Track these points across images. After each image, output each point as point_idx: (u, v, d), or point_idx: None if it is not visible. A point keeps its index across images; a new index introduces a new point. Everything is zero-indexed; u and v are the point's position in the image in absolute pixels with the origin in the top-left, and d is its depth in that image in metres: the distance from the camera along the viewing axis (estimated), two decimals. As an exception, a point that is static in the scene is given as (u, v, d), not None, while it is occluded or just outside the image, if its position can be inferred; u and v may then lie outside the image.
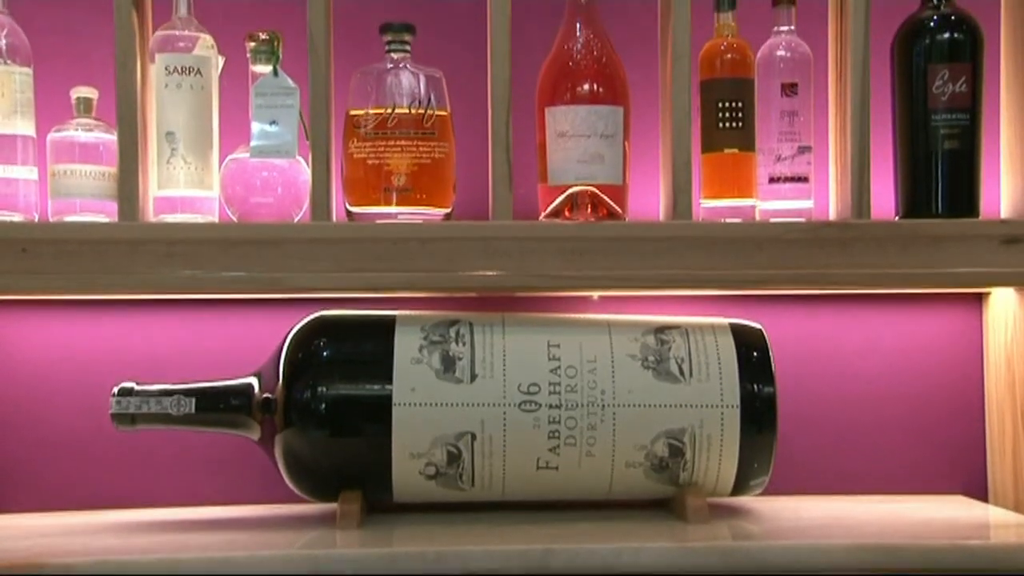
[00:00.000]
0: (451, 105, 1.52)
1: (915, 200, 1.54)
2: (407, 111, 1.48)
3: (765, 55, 1.56)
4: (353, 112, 1.50)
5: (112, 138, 1.50)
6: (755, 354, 1.49)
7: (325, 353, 1.46)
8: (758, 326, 1.53)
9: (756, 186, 1.54)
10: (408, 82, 1.49)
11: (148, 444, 1.64)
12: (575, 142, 1.48)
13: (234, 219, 1.51)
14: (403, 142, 1.47)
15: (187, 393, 1.45)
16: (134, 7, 1.47)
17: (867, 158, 1.50)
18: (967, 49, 1.53)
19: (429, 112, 1.48)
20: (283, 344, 1.47)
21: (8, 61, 1.48)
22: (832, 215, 1.59)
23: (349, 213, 1.51)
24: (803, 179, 1.55)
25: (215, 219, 1.52)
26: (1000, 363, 1.65)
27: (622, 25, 1.58)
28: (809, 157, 1.55)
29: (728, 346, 1.48)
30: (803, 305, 1.68)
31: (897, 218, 1.56)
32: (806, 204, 1.55)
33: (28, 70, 1.50)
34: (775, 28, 1.56)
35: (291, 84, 1.48)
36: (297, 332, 1.48)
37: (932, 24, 1.53)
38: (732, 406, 1.45)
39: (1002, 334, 1.64)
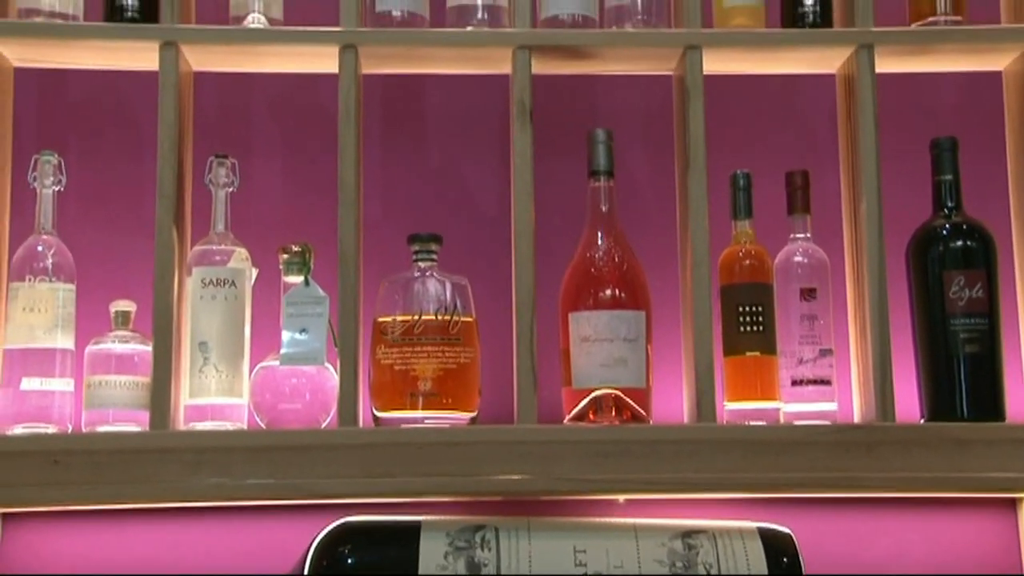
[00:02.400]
0: (476, 311, 1.50)
1: (939, 403, 1.50)
2: (433, 318, 1.47)
3: (783, 261, 1.54)
4: (381, 319, 1.48)
5: (147, 349, 1.49)
6: (785, 560, 1.42)
7: (350, 561, 1.40)
8: (787, 531, 1.46)
9: (779, 388, 1.51)
10: (435, 290, 1.48)
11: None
12: (598, 346, 1.46)
13: (263, 425, 1.48)
14: (429, 348, 1.45)
15: (210, 603, 1.40)
16: (174, 224, 1.48)
17: (889, 361, 1.47)
18: (981, 256, 1.51)
19: (455, 319, 1.47)
20: (308, 551, 1.42)
21: (53, 279, 1.49)
22: (856, 418, 1.54)
23: (376, 418, 1.47)
24: (826, 382, 1.51)
25: (244, 426, 1.49)
26: (1038, 569, 1.57)
27: (642, 231, 1.58)
28: (831, 360, 1.52)
29: (757, 552, 1.42)
30: (831, 508, 1.61)
31: (922, 421, 1.51)
32: (830, 407, 1.51)
33: (71, 286, 1.51)
34: (792, 235, 1.55)
35: (321, 293, 1.48)
36: (322, 539, 1.43)
37: (945, 232, 1.52)
38: (764, 613, 1.38)
39: (1038, 539, 1.57)
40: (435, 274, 1.50)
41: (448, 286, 1.49)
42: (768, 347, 1.50)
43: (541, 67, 1.53)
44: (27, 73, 1.60)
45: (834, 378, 1.52)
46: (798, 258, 1.54)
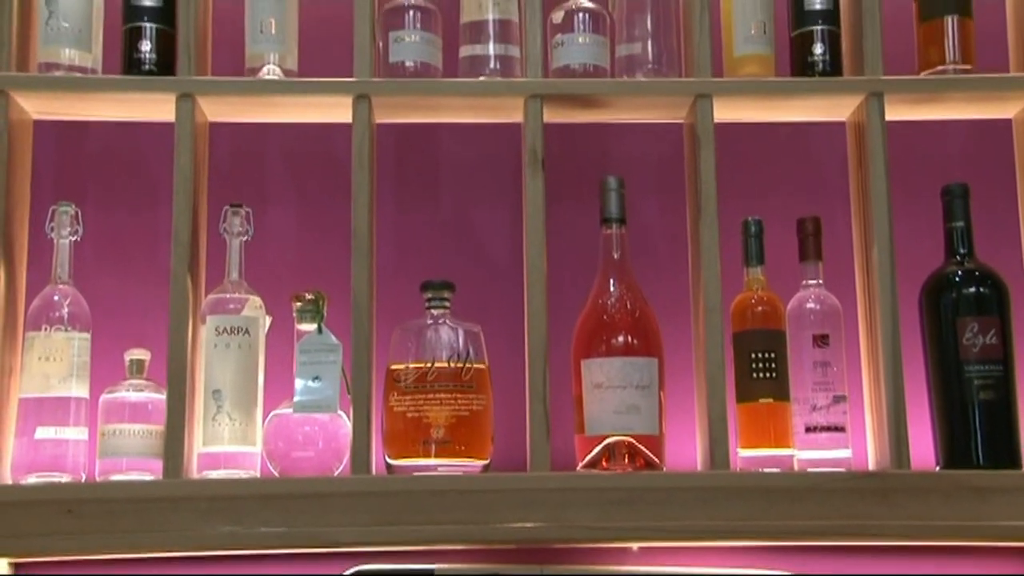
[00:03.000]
0: (489, 357, 1.50)
1: (954, 450, 1.48)
2: (446, 365, 1.46)
3: (795, 307, 1.53)
4: (394, 366, 1.48)
5: (161, 397, 1.48)
6: (801, 608, 1.40)
7: (363, 609, 1.39)
8: (802, 580, 1.44)
9: (793, 435, 1.49)
10: (447, 337, 1.48)
11: None
12: (611, 393, 1.45)
13: (276, 473, 1.47)
14: (442, 395, 1.45)
15: (222, 652, 1.38)
16: (189, 273, 1.48)
17: (903, 408, 1.46)
18: (994, 302, 1.50)
19: (468, 365, 1.46)
20: (321, 599, 1.41)
21: (69, 328, 1.49)
22: (871, 465, 1.52)
23: (389, 466, 1.46)
24: (839, 428, 1.50)
25: (257, 474, 1.48)
26: (1057, 619, 1.54)
27: (654, 278, 1.57)
28: (844, 407, 1.50)
29: (773, 600, 1.40)
30: (846, 556, 1.58)
31: (938, 468, 1.49)
32: (844, 454, 1.49)
33: (87, 335, 1.50)
34: (804, 282, 1.55)
35: (334, 341, 1.47)
36: (335, 588, 1.42)
37: (958, 279, 1.52)
38: (780, 663, 1.36)
39: (1057, 588, 1.54)
40: (448, 321, 1.49)
41: (461, 333, 1.48)
42: (781, 394, 1.49)
43: (553, 116, 1.54)
44: (45, 125, 1.61)
45: (848, 425, 1.50)
46: (810, 304, 1.53)
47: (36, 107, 1.56)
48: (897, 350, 1.47)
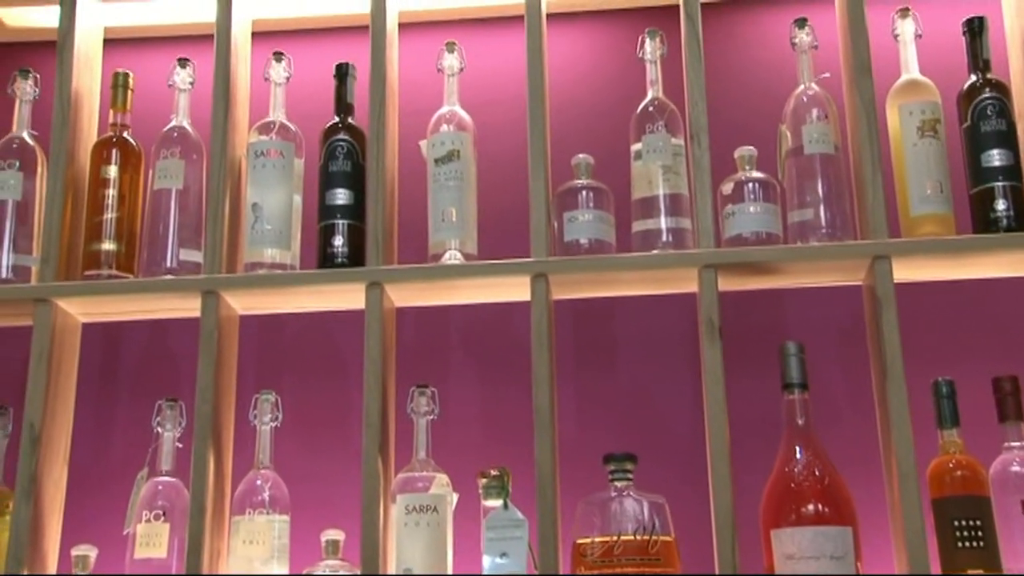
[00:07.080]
0: (675, 530, 1.42)
1: None
2: (632, 538, 1.39)
3: (999, 471, 1.41)
4: (580, 541, 1.42)
5: (355, 577, 1.46)
6: None
7: None
8: None
9: (1009, 610, 1.35)
10: (632, 509, 1.42)
11: None
12: (804, 564, 1.34)
13: (465, 653, 1.42)
14: (629, 569, 1.37)
15: None
16: (379, 453, 1.47)
17: None
18: None
19: (654, 538, 1.39)
20: None
21: (270, 511, 1.50)
22: (1104, 643, 1.36)
23: (577, 645, 1.39)
24: (1064, 603, 1.35)
25: (448, 653, 1.43)
26: None
27: (841, 443, 1.48)
28: (1068, 578, 1.35)
29: None
30: None
31: None
32: (1073, 631, 1.34)
33: (286, 517, 1.51)
34: (1005, 444, 1.42)
35: (520, 516, 1.43)
36: None
37: None
38: None
39: None
40: (632, 494, 1.43)
41: (646, 505, 1.42)
42: (992, 564, 1.36)
43: (727, 284, 1.50)
44: (248, 319, 1.66)
45: (1074, 598, 1.35)
46: (1016, 468, 1.40)
47: (242, 304, 1.61)
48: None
